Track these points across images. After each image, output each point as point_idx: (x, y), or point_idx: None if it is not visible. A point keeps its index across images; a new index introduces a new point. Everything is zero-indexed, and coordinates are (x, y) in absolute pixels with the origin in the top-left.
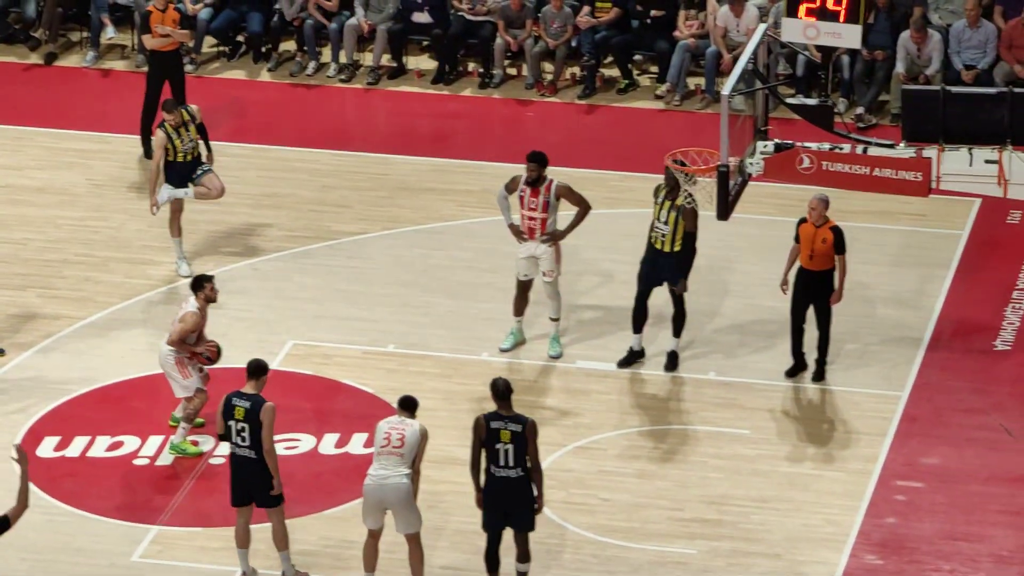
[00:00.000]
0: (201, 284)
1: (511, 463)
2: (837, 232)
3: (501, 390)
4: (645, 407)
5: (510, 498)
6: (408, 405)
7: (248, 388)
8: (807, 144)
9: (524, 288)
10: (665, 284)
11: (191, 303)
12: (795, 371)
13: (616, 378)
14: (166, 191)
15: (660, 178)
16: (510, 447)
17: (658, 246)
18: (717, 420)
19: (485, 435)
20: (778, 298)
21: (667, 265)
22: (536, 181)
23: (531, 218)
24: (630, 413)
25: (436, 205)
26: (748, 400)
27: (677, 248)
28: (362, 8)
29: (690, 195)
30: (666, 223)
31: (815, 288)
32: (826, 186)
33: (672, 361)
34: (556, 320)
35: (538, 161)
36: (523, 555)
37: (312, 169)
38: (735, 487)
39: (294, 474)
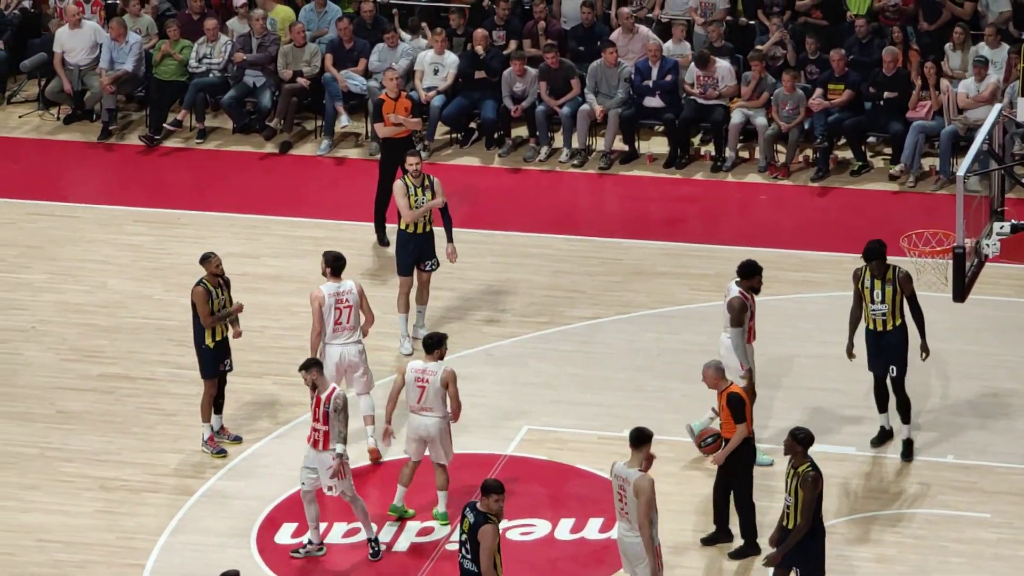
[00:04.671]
0: (440, 342)
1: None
2: (732, 399)
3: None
4: (882, 490)
5: None
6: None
7: (482, 505)
8: None
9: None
10: (891, 368)
11: (435, 366)
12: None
13: (852, 461)
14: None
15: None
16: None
17: (879, 328)
18: (957, 504)
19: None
20: (1018, 379)
21: (891, 344)
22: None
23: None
24: (867, 497)
25: (669, 289)
26: (988, 483)
27: (899, 322)
28: (593, 94)
29: (896, 266)
30: (883, 302)
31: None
32: None
33: (908, 449)
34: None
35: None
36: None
37: (545, 254)
38: (976, 572)
39: (531, 560)
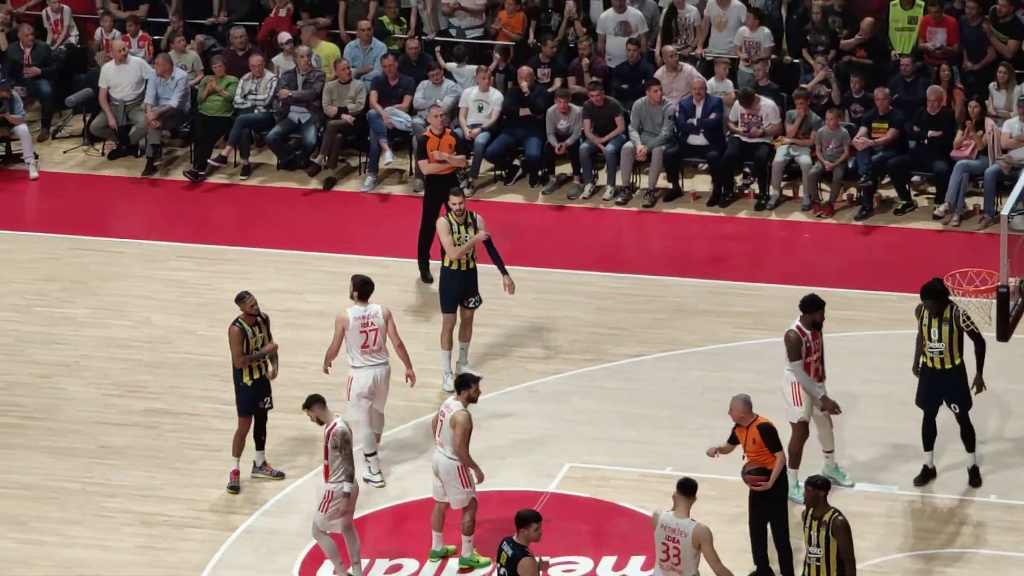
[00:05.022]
0: (468, 384)
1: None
2: (764, 429)
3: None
4: (926, 530)
5: None
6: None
7: (519, 537)
8: None
9: None
10: (952, 406)
11: (456, 404)
12: None
13: (896, 501)
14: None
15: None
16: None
17: (936, 366)
18: (1001, 544)
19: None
20: None
21: (948, 383)
22: None
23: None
24: (911, 536)
25: (713, 327)
26: None
27: (957, 362)
28: (637, 131)
29: (954, 304)
30: (939, 340)
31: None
32: None
33: (975, 476)
34: None
35: None
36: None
37: (589, 292)
38: None
39: None
